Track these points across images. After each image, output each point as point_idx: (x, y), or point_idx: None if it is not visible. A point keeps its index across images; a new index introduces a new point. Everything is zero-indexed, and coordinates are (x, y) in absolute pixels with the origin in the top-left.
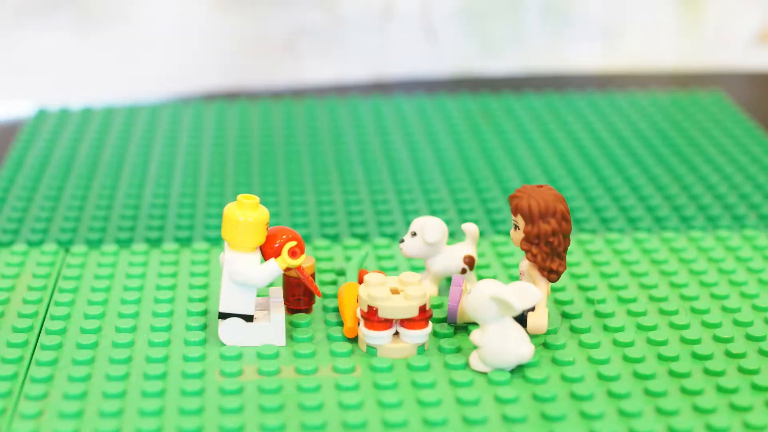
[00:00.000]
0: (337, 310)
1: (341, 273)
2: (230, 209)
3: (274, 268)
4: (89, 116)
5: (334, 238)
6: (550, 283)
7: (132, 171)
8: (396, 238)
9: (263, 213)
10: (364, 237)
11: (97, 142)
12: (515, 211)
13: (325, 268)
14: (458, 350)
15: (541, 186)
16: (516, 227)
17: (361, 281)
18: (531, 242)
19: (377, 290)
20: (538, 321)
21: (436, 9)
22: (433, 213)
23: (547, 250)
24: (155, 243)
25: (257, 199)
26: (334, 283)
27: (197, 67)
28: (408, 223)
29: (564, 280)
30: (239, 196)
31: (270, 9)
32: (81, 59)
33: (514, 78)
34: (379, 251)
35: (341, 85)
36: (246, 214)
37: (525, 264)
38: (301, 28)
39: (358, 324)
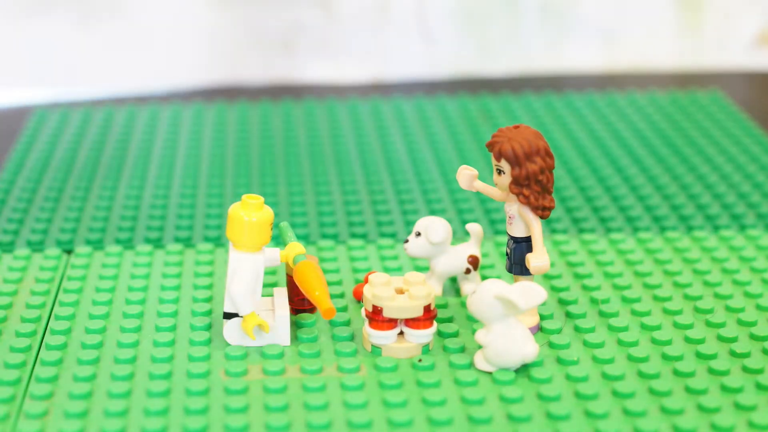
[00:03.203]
0: (343, 309)
1: (346, 272)
2: (235, 209)
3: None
4: (89, 117)
5: (334, 238)
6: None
7: (132, 172)
8: (396, 238)
9: (268, 213)
10: (363, 237)
11: (96, 143)
12: (498, 156)
13: (330, 269)
14: (463, 350)
15: (517, 126)
16: (500, 172)
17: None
18: (521, 184)
19: (382, 290)
20: (541, 260)
21: (434, 10)
22: (433, 213)
23: (538, 189)
24: (156, 243)
25: (262, 199)
26: (338, 283)
27: (195, 64)
28: (408, 223)
29: (567, 279)
30: (244, 196)
31: (268, 8)
32: (78, 55)
33: (513, 78)
34: (382, 251)
35: (340, 86)
36: (251, 214)
37: (514, 208)
38: (300, 28)
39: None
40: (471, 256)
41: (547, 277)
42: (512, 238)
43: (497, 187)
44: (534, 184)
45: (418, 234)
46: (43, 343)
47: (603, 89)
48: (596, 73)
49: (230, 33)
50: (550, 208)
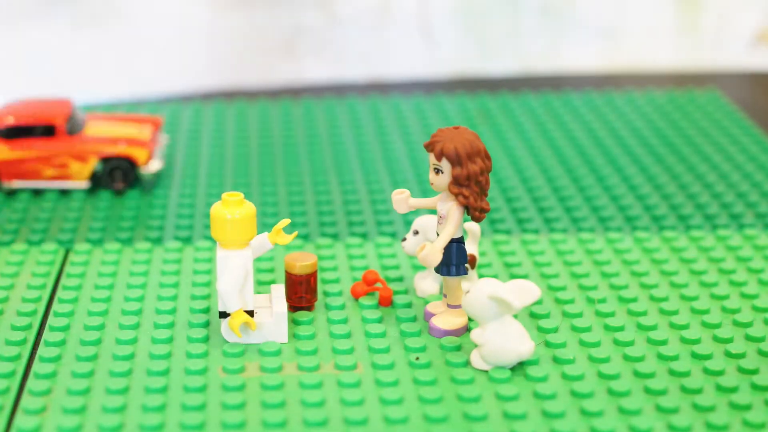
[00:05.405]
0: (341, 307)
1: (345, 271)
2: (217, 209)
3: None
4: None
5: (333, 236)
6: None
7: None
8: (395, 237)
9: (250, 208)
10: (363, 236)
11: None
12: (440, 155)
13: (328, 267)
14: (459, 348)
15: (457, 127)
16: (438, 171)
17: (368, 282)
18: (462, 184)
19: None
20: (433, 256)
21: (434, 9)
22: (431, 212)
23: (477, 190)
24: (155, 241)
25: (241, 195)
26: (336, 281)
27: (195, 66)
28: (407, 223)
29: (564, 278)
30: (224, 195)
31: (268, 9)
32: (79, 58)
33: (512, 78)
34: (381, 249)
35: (339, 85)
36: (233, 212)
37: (446, 207)
38: (300, 29)
39: None
40: (469, 255)
41: (543, 276)
42: None
43: (434, 186)
44: (474, 185)
45: (416, 232)
46: (42, 340)
47: (601, 88)
48: (595, 72)
49: (231, 36)
50: (486, 211)
